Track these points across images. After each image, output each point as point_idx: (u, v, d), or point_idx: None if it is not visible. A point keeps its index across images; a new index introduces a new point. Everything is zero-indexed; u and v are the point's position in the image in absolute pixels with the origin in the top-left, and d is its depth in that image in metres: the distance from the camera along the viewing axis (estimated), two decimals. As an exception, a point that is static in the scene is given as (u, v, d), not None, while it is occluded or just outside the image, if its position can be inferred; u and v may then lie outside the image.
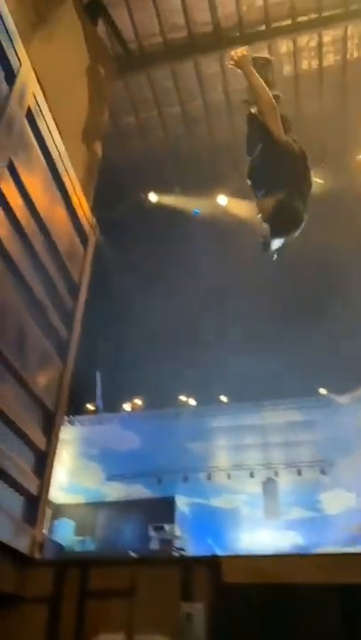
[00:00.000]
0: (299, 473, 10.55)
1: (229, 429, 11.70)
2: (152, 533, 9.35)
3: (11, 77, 2.57)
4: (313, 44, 9.16)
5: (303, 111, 9.61)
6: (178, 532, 9.81)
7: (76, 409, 12.72)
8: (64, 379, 3.03)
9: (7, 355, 2.35)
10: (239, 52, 3.42)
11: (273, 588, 2.11)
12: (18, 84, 2.60)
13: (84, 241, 3.49)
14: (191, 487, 11.19)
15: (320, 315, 10.77)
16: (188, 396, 13.33)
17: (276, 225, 3.18)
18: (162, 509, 10.22)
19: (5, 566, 2.27)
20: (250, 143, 3.48)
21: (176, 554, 9.01)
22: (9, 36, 2.55)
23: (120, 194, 11.60)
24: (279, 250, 3.27)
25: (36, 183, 2.81)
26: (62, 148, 3.16)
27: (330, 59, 9.41)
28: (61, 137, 3.22)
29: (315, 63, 9.46)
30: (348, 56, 9.23)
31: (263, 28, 8.61)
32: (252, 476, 10.91)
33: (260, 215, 3.24)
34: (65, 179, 3.19)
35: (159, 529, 9.27)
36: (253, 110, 3.47)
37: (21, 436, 2.50)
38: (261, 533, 10.18)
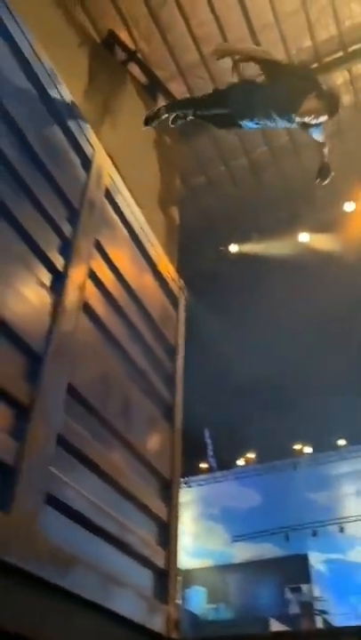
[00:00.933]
0: None
1: (355, 475, 10.90)
2: (289, 595, 8.75)
3: (87, 164, 2.75)
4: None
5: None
6: (317, 592, 9.09)
7: (189, 469, 12.59)
8: (175, 442, 2.99)
9: (116, 425, 2.37)
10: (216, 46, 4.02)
11: None
12: (94, 169, 2.77)
13: (175, 303, 3.54)
14: (323, 542, 10.43)
15: None
16: (303, 444, 12.70)
17: (334, 103, 3.44)
18: (295, 568, 9.58)
19: (143, 648, 2.18)
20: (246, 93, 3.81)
21: (319, 617, 8.29)
22: (81, 128, 2.75)
23: (202, 251, 11.84)
24: None
25: (123, 256, 2.93)
26: (142, 219, 3.29)
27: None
28: (140, 208, 3.36)
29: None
30: None
31: (316, 65, 8.68)
32: (389, 523, 10.00)
33: (312, 117, 3.44)
34: (149, 247, 3.30)
35: (296, 590, 8.66)
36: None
37: (141, 506, 2.47)
38: None
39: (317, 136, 3.67)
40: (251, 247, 11.04)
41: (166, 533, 2.66)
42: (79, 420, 2.11)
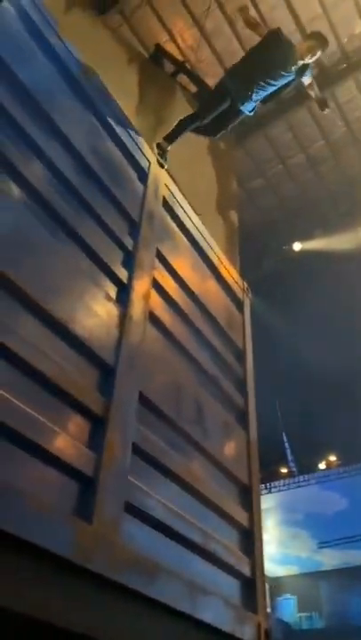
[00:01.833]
0: None
1: None
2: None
3: (143, 176, 2.79)
4: None
5: None
6: None
7: (268, 475, 12.36)
8: (251, 447, 2.95)
9: (190, 432, 2.37)
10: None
11: None
12: (150, 180, 2.81)
13: (240, 306, 3.51)
14: None
15: None
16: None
17: (321, 37, 4.27)
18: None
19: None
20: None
21: None
22: (135, 142, 2.81)
23: (265, 252, 11.70)
24: None
25: (185, 264, 2.94)
26: (201, 226, 3.29)
27: None
28: (198, 215, 3.37)
29: None
30: None
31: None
32: None
33: (310, 55, 4.11)
34: (209, 253, 3.30)
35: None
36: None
37: (221, 513, 2.45)
38: None
39: (308, 78, 4.33)
40: (315, 243, 10.76)
41: (250, 541, 2.61)
42: (153, 429, 2.13)
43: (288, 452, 12.94)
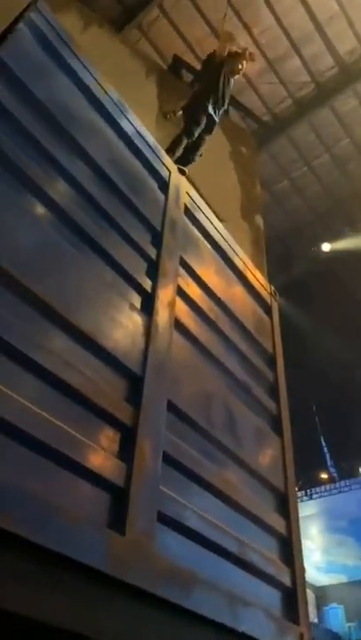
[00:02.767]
0: None
1: None
2: None
3: (164, 186, 2.81)
4: None
5: None
6: None
7: (308, 481, 12.14)
8: (286, 452, 2.89)
9: (222, 439, 2.34)
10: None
11: None
12: (171, 189, 2.82)
13: (268, 310, 3.47)
14: None
15: None
16: None
17: (238, 54, 5.19)
18: None
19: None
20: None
21: None
22: (154, 152, 2.82)
23: (294, 254, 11.59)
24: None
25: (209, 270, 2.93)
26: (224, 231, 3.28)
27: None
28: (221, 221, 3.36)
29: None
30: None
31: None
32: None
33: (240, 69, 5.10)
34: (234, 258, 3.28)
35: None
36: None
37: (258, 522, 2.40)
38: None
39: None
40: (344, 243, 10.59)
41: (288, 549, 2.55)
42: (184, 437, 2.11)
43: (327, 456, 12.68)
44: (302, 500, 12.15)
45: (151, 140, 2.85)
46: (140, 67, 6.11)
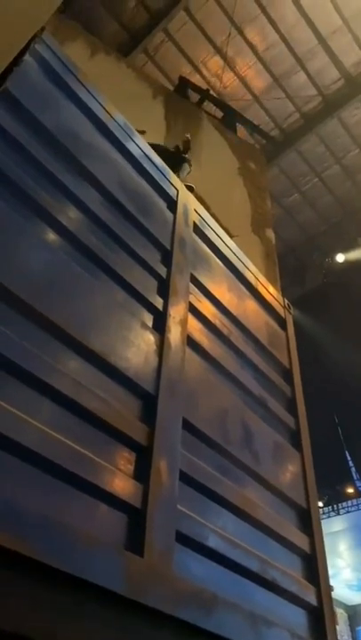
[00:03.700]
0: None
1: None
2: None
3: (172, 204, 2.84)
4: None
5: None
6: None
7: (334, 496, 11.89)
8: (306, 468, 2.85)
9: (239, 456, 2.32)
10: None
11: None
12: (179, 208, 2.85)
13: (282, 324, 3.45)
14: None
15: None
16: None
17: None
18: None
19: None
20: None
21: None
22: (161, 172, 2.86)
23: (308, 265, 11.55)
24: None
25: (221, 286, 2.94)
26: (235, 247, 3.29)
27: None
28: (232, 237, 3.38)
29: None
30: None
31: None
32: None
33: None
34: (246, 273, 3.28)
35: None
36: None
37: (280, 540, 2.36)
38: None
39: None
40: (358, 253, 10.53)
41: (313, 567, 2.50)
42: (200, 455, 2.10)
43: (352, 470, 12.42)
44: (329, 516, 11.89)
45: (158, 160, 2.90)
46: (147, 89, 6.22)
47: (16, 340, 1.59)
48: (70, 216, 2.12)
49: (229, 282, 3.09)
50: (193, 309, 2.52)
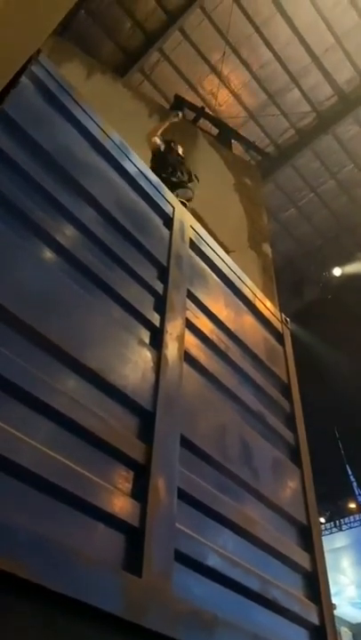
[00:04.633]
0: None
1: None
2: None
3: (168, 221, 2.86)
4: None
5: None
6: None
7: (336, 511, 11.78)
8: (306, 483, 2.82)
9: (238, 473, 2.31)
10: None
11: None
12: (176, 225, 2.87)
13: (280, 339, 3.45)
14: None
15: None
16: None
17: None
18: None
19: None
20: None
21: None
22: (158, 191, 2.89)
23: (305, 279, 11.59)
24: None
25: (218, 302, 2.94)
26: (232, 262, 3.31)
27: None
28: (229, 252, 3.39)
29: None
30: None
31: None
32: None
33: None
34: (243, 289, 3.29)
35: None
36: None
37: (280, 558, 2.33)
38: None
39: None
40: (356, 266, 10.58)
41: (314, 585, 2.46)
42: (198, 472, 2.08)
43: (354, 484, 12.32)
44: (331, 532, 11.76)
45: (154, 177, 2.92)
46: (143, 108, 6.31)
47: (12, 358, 1.59)
48: (67, 234, 2.13)
49: (226, 297, 3.10)
50: (190, 325, 2.52)
